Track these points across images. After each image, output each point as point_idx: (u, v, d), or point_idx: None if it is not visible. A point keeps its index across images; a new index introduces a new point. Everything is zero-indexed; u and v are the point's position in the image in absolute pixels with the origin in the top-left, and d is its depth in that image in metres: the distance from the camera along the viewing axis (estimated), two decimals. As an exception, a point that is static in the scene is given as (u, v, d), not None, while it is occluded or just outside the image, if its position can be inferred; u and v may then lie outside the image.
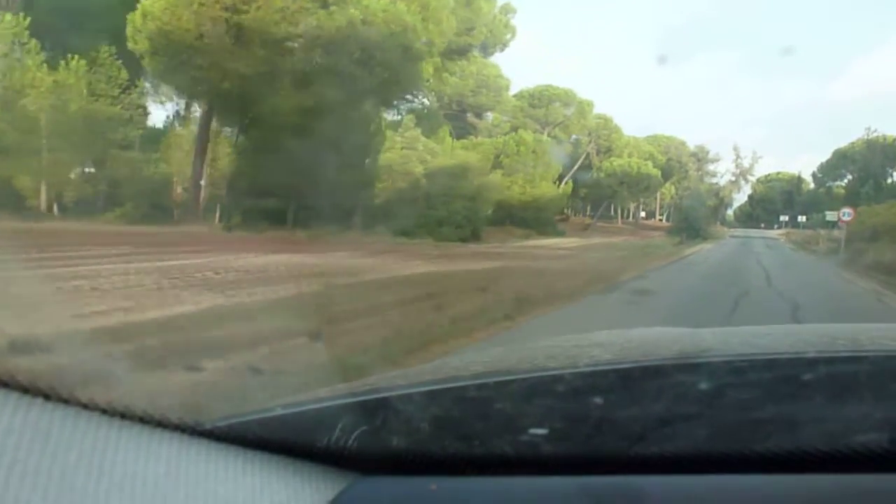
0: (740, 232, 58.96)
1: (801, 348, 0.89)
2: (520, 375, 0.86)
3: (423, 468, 0.72)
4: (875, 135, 55.32)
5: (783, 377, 0.76)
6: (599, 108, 44.47)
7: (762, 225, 76.29)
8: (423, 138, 26.85)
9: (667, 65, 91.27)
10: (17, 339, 3.32)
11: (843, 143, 61.67)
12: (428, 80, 28.07)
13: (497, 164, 34.21)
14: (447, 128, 31.82)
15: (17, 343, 3.21)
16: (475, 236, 24.03)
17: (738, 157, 66.27)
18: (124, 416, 0.62)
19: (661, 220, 70.33)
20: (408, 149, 26.25)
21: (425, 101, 37.55)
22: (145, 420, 0.64)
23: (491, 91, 38.28)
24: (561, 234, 37.02)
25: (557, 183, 40.11)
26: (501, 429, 0.73)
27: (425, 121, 29.32)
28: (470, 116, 39.00)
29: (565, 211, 58.05)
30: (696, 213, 44.56)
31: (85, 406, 0.60)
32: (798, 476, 0.67)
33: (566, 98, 42.29)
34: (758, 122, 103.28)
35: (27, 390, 0.57)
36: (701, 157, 63.60)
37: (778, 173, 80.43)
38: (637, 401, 0.75)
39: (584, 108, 42.97)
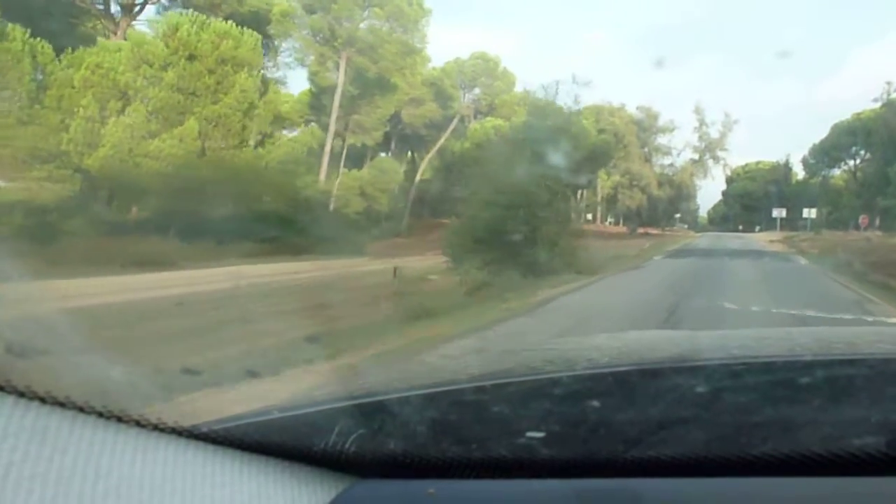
0: (704, 242, 35.17)
1: (798, 352, 0.88)
2: (517, 378, 0.86)
3: (420, 471, 0.73)
4: (896, 95, 37.54)
5: (780, 380, 0.77)
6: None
7: (740, 227, 59.61)
8: None
9: (660, 66, 77.34)
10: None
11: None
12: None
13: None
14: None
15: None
16: None
17: (702, 123, 40.13)
18: (121, 419, 0.62)
19: (612, 223, 52.12)
20: None
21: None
22: (142, 423, 0.64)
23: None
24: (357, 251, 18.88)
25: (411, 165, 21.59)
26: (499, 432, 0.74)
27: None
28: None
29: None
30: (511, 202, 13.06)
31: (81, 409, 0.60)
32: (795, 479, 0.68)
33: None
34: (748, 121, 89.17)
35: (23, 394, 0.57)
36: (647, 124, 38.35)
37: (758, 163, 63.67)
38: (634, 404, 0.75)
39: (403, 12, 21.47)
